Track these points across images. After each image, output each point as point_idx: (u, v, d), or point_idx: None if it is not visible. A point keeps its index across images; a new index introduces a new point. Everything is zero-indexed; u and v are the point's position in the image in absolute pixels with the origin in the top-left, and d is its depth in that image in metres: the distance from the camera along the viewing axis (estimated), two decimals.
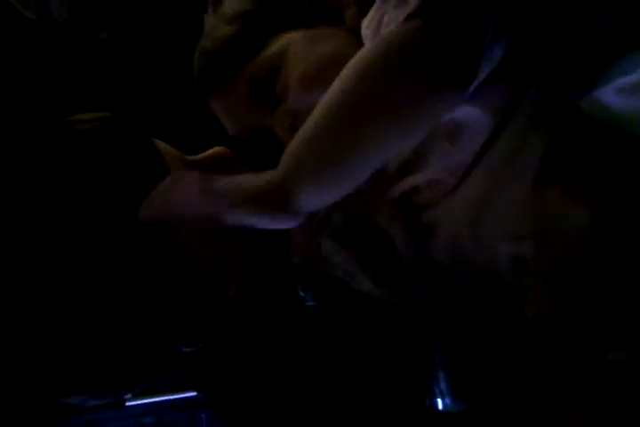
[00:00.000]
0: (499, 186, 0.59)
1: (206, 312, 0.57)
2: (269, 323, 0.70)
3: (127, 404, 1.40)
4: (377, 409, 0.62)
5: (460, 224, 0.62)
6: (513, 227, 0.60)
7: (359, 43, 0.60)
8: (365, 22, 0.58)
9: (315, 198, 0.52)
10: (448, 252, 0.64)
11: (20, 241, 0.50)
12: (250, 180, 0.53)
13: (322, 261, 0.67)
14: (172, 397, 1.41)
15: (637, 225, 0.51)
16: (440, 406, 0.63)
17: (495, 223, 0.60)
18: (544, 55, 0.53)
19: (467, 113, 0.58)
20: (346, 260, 0.66)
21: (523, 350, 0.58)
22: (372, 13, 0.57)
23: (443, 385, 0.66)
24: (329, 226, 0.67)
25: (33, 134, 0.55)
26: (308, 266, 0.70)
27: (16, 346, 0.51)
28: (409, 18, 0.49)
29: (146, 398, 1.42)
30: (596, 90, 0.54)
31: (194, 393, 1.32)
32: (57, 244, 0.50)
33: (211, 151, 0.64)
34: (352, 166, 0.51)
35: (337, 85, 0.51)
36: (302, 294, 0.70)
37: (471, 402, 0.65)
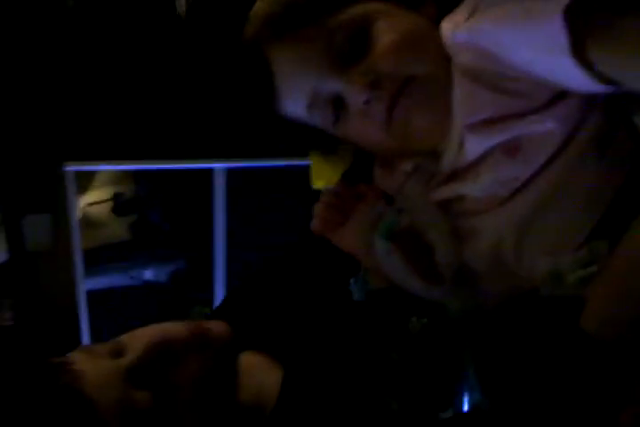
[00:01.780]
0: (551, 202, 0.62)
1: None
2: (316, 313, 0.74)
3: None
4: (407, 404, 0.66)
5: (504, 235, 0.64)
6: (554, 242, 0.62)
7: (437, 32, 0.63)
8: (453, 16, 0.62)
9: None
10: (487, 260, 0.66)
11: None
12: None
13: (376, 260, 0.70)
14: None
15: None
16: (467, 404, 0.66)
17: (539, 237, 0.63)
18: None
19: (536, 128, 0.60)
20: (396, 259, 0.69)
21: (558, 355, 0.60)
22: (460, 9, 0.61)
23: (472, 382, 0.69)
24: (382, 225, 0.69)
25: None
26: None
27: None
28: None
29: None
30: None
31: None
32: None
33: None
34: None
35: None
36: (352, 287, 0.72)
37: (500, 398, 0.67)
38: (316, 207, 0.76)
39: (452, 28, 0.61)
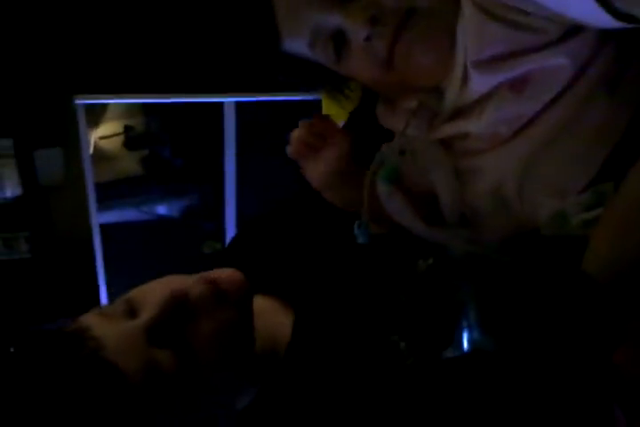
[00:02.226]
0: (556, 141, 0.60)
1: None
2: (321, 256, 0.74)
3: None
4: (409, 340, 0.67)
5: (507, 175, 0.63)
6: (558, 183, 0.61)
7: None
8: None
9: None
10: (489, 201, 0.66)
11: None
12: None
13: (378, 204, 0.69)
14: None
15: None
16: (466, 341, 0.67)
17: (542, 178, 0.62)
18: None
19: (547, 63, 0.58)
20: (398, 202, 0.68)
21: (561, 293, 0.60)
22: None
23: (471, 318, 0.70)
24: (384, 168, 0.69)
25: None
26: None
27: None
28: None
29: None
30: None
31: None
32: None
33: None
34: None
35: None
36: (356, 231, 0.72)
37: (499, 336, 0.69)
38: (292, 134, 0.75)
39: None
